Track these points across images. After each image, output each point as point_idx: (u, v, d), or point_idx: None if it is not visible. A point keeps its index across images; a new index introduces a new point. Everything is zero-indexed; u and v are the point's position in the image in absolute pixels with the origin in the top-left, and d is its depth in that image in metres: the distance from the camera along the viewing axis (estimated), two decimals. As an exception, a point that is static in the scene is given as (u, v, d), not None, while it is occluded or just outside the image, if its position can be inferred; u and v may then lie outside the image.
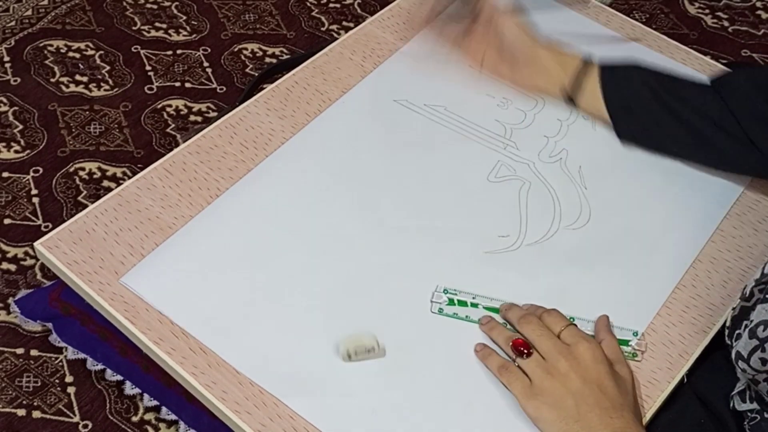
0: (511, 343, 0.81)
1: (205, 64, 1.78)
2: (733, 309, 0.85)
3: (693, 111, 0.96)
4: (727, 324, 0.84)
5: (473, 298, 0.88)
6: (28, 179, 1.55)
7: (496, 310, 0.88)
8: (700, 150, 0.98)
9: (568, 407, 0.76)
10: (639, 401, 0.83)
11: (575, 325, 0.83)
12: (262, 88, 1.07)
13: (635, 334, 0.87)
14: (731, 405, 0.86)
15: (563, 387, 0.77)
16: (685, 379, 0.87)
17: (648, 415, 0.83)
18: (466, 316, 0.87)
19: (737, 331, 0.81)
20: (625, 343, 0.86)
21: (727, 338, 0.84)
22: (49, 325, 1.11)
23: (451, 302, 0.88)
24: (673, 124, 0.98)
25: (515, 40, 1.02)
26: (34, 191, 1.54)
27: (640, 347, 0.86)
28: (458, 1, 1.05)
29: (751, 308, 0.80)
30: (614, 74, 1.00)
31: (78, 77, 1.73)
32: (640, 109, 0.99)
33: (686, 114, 0.96)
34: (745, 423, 0.85)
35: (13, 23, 1.82)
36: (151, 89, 1.72)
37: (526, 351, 0.80)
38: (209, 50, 1.81)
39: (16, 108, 1.66)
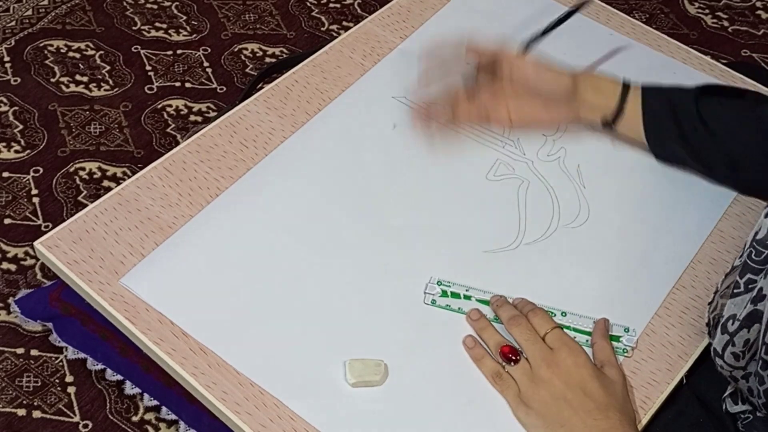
0: (500, 350, 0.83)
1: (205, 64, 1.78)
2: (710, 305, 0.85)
3: (728, 135, 0.95)
4: (706, 321, 0.85)
5: (466, 290, 0.89)
6: (28, 179, 1.55)
7: (488, 303, 0.88)
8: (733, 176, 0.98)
9: (553, 413, 0.78)
10: (635, 401, 0.83)
11: (560, 327, 0.84)
12: (261, 88, 1.07)
13: (626, 330, 0.87)
14: (723, 407, 0.87)
15: (547, 393, 0.79)
16: (684, 380, 0.87)
17: (647, 416, 0.83)
18: (459, 308, 0.88)
19: (710, 328, 0.82)
20: (617, 339, 0.87)
21: (708, 336, 0.84)
22: (49, 324, 1.11)
23: (444, 294, 0.88)
24: (708, 149, 0.96)
25: (542, 79, 0.97)
26: (34, 191, 1.54)
27: (631, 343, 0.86)
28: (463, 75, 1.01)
29: (723, 304, 0.81)
30: (656, 95, 0.97)
31: (78, 77, 1.73)
32: (674, 135, 0.97)
33: (722, 139, 0.95)
34: (738, 423, 0.85)
35: (13, 23, 1.82)
36: (151, 89, 1.72)
37: (514, 358, 0.82)
38: (209, 50, 1.81)
39: (16, 108, 1.66)
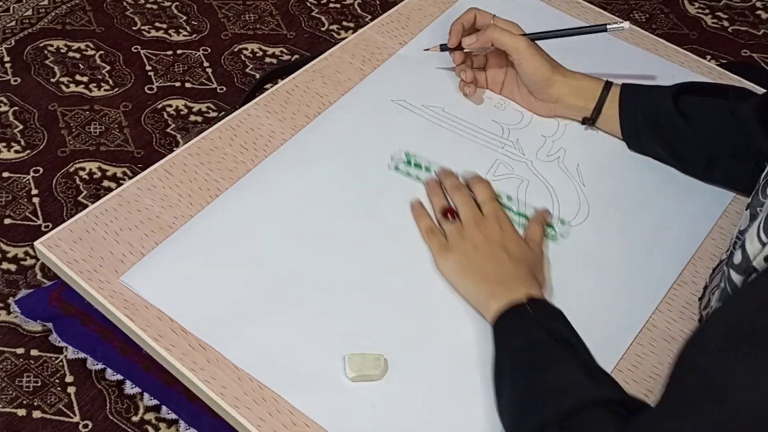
0: (440, 210, 0.93)
1: (205, 64, 1.78)
2: (701, 300, 0.86)
3: (705, 137, 0.98)
4: (699, 317, 0.87)
5: (429, 163, 0.98)
6: (28, 179, 1.56)
7: None
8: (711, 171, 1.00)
9: (470, 260, 0.88)
10: (637, 393, 0.83)
11: (497, 201, 0.94)
12: (263, 92, 1.08)
13: (562, 222, 0.96)
14: None
15: (471, 246, 0.89)
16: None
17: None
18: (417, 177, 0.97)
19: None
20: (550, 226, 0.95)
21: None
22: (49, 324, 1.11)
23: (408, 162, 0.97)
24: (685, 145, 0.99)
25: (530, 72, 1.02)
26: (34, 191, 1.54)
27: (562, 232, 0.95)
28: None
29: (707, 297, 0.83)
30: (633, 97, 1.01)
31: (78, 77, 1.73)
32: (651, 134, 1.00)
33: (698, 139, 0.98)
34: None
35: (13, 23, 1.82)
36: (151, 89, 1.72)
37: (450, 217, 0.92)
38: (209, 50, 1.81)
39: (16, 108, 1.67)
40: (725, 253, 0.83)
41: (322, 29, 1.87)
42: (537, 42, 1.03)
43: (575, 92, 1.02)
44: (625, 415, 0.71)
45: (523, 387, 0.77)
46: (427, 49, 1.09)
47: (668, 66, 1.15)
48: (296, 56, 1.80)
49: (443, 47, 1.07)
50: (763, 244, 0.65)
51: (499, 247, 0.88)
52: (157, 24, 1.85)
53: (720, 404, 0.58)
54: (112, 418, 1.26)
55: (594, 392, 0.73)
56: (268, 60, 1.80)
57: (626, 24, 1.02)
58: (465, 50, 1.05)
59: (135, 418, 1.26)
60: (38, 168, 1.57)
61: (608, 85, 1.01)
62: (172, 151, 0.99)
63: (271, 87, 1.09)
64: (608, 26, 1.02)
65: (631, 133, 1.01)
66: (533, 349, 0.79)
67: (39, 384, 1.30)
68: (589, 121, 1.03)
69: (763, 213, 0.67)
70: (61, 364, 1.31)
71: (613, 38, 1.18)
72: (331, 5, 1.92)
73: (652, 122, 0.99)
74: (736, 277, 0.69)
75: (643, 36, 1.19)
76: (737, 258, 0.68)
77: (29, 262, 1.44)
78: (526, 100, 1.06)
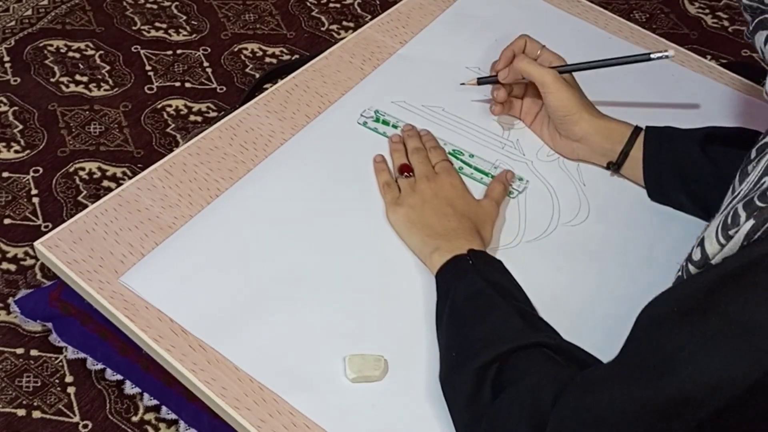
0: (399, 166, 0.97)
1: (205, 64, 1.78)
2: None
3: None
4: None
5: (397, 121, 1.04)
6: (28, 179, 1.55)
7: None
8: None
9: (417, 213, 0.92)
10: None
11: (450, 162, 0.98)
12: (262, 91, 1.08)
13: (521, 179, 1.00)
14: None
15: (419, 199, 0.93)
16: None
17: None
18: (384, 133, 1.03)
19: None
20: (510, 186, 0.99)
21: None
22: (49, 324, 1.11)
23: (376, 119, 1.03)
24: (711, 193, 0.95)
25: (555, 105, 0.99)
26: (34, 191, 1.54)
27: (519, 188, 0.99)
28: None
29: None
30: (657, 140, 0.98)
31: (78, 77, 1.73)
32: (675, 180, 0.97)
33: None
34: None
35: (13, 23, 1.82)
36: (151, 89, 1.72)
37: (407, 173, 0.96)
38: (209, 50, 1.81)
39: (16, 108, 1.66)
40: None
41: (322, 29, 1.87)
42: (577, 72, 1.01)
43: (601, 133, 0.99)
44: (561, 362, 0.75)
45: (460, 335, 0.80)
46: (464, 84, 1.07)
47: (669, 65, 1.15)
48: (296, 56, 1.80)
49: (481, 81, 1.06)
50: (722, 246, 0.66)
51: (445, 202, 0.92)
52: (157, 24, 1.85)
53: (665, 376, 0.61)
54: (112, 418, 1.26)
55: (531, 336, 0.77)
56: (268, 60, 1.80)
57: (671, 52, 0.98)
58: (501, 82, 1.03)
59: (135, 419, 1.26)
60: (38, 168, 1.57)
61: (638, 130, 0.98)
62: (172, 151, 0.99)
63: (271, 86, 1.09)
64: (652, 55, 0.98)
65: (654, 180, 0.98)
66: (471, 298, 0.81)
67: (39, 384, 1.30)
68: (614, 166, 0.99)
69: (720, 215, 0.68)
70: (60, 364, 1.31)
71: (613, 37, 1.18)
72: (331, 5, 1.92)
73: (679, 168, 0.96)
74: (694, 271, 0.71)
75: (644, 35, 1.19)
76: (696, 255, 0.69)
77: (29, 262, 1.44)
78: (552, 137, 1.04)
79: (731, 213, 0.65)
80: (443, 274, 0.86)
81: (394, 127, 1.03)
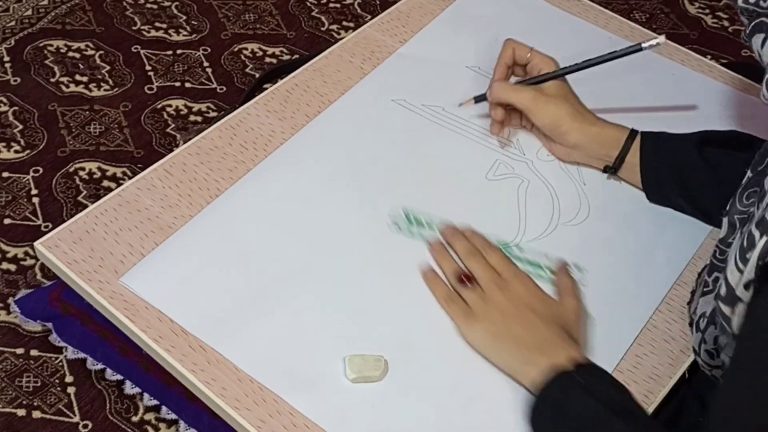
0: (456, 275, 0.88)
1: (205, 64, 1.78)
2: (689, 305, 0.86)
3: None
4: (689, 321, 0.86)
5: (429, 219, 0.94)
6: (28, 179, 1.55)
7: None
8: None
9: (500, 328, 0.83)
10: (638, 394, 0.84)
11: (513, 263, 0.89)
12: (263, 91, 1.08)
13: (578, 268, 0.92)
14: None
15: (497, 311, 0.84)
16: (687, 375, 0.87)
17: (650, 410, 0.84)
18: (420, 235, 0.93)
19: (691, 328, 0.83)
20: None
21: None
22: (49, 324, 1.11)
23: (408, 220, 0.93)
24: (710, 196, 0.95)
25: (541, 124, 0.99)
26: (34, 191, 1.54)
27: (582, 280, 0.91)
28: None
29: (696, 301, 0.82)
30: (655, 146, 0.97)
31: (78, 77, 1.73)
32: (674, 185, 0.97)
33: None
34: None
35: (13, 23, 1.82)
36: (151, 89, 1.72)
37: (468, 282, 0.87)
38: (209, 50, 1.81)
39: (16, 108, 1.66)
40: (710, 258, 0.83)
41: (322, 29, 1.87)
42: (572, 72, 0.99)
43: (595, 140, 0.98)
44: None
45: None
46: (461, 104, 1.05)
47: (669, 65, 1.15)
48: (296, 56, 1.80)
49: (477, 99, 1.04)
50: (741, 272, 0.65)
51: (527, 308, 0.84)
52: (156, 24, 1.85)
53: None
54: (111, 418, 1.26)
55: None
56: (268, 60, 1.80)
57: (662, 38, 0.96)
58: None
59: (135, 418, 1.26)
60: (38, 168, 1.57)
61: (633, 134, 0.97)
62: (171, 150, 0.99)
63: (271, 86, 1.09)
64: (643, 45, 0.96)
65: (653, 184, 0.97)
66: (588, 426, 0.75)
67: (39, 384, 1.30)
68: (611, 170, 0.99)
69: (737, 242, 0.68)
70: (60, 364, 1.31)
71: (613, 36, 1.17)
72: (331, 5, 1.92)
73: (677, 172, 0.96)
74: (726, 309, 0.70)
75: (644, 34, 1.19)
76: (723, 290, 0.68)
77: (29, 262, 1.44)
78: (548, 143, 1.03)
79: (746, 236, 0.64)
80: (548, 392, 0.78)
81: (429, 226, 0.93)
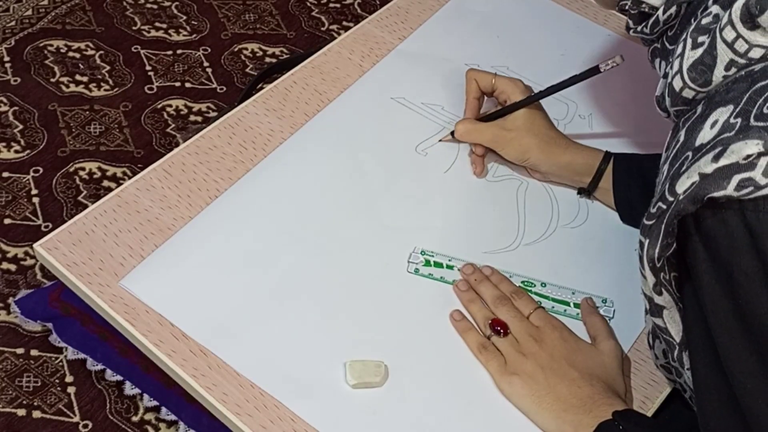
0: (489, 322, 0.86)
1: (205, 64, 1.78)
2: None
3: None
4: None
5: (449, 260, 0.91)
6: (28, 179, 1.55)
7: None
8: None
9: (539, 382, 0.81)
10: (633, 400, 0.83)
11: (543, 308, 0.88)
12: (261, 88, 1.07)
13: (604, 301, 0.90)
14: None
15: (534, 364, 0.82)
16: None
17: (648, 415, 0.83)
18: (441, 277, 0.91)
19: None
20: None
21: None
22: (49, 325, 1.11)
23: (427, 263, 0.91)
24: None
25: (509, 159, 0.99)
26: (34, 191, 1.54)
27: (609, 313, 0.90)
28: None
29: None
30: (627, 168, 0.96)
31: (78, 77, 1.73)
32: (645, 206, 0.96)
33: None
34: None
35: (13, 23, 1.82)
36: (151, 89, 1.72)
37: (503, 331, 0.85)
38: (209, 50, 1.81)
39: (16, 108, 1.66)
40: None
41: (322, 29, 1.87)
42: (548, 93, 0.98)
43: (566, 169, 0.98)
44: None
45: None
46: (441, 140, 1.03)
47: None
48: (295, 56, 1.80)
49: (455, 134, 1.02)
50: (645, 278, 0.69)
51: (565, 363, 0.82)
52: (157, 24, 1.85)
53: None
54: (112, 418, 1.26)
55: None
56: (268, 60, 1.79)
57: (618, 58, 0.93)
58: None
59: (135, 419, 1.26)
60: (38, 168, 1.57)
61: (608, 157, 0.96)
62: (171, 150, 0.99)
63: (269, 84, 1.08)
64: (600, 67, 0.93)
65: (625, 206, 0.97)
66: None
67: (39, 384, 1.30)
68: (585, 193, 0.99)
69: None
70: (61, 364, 1.31)
71: (612, 33, 1.17)
72: (331, 5, 1.92)
73: (647, 194, 0.94)
74: (658, 321, 0.72)
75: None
76: (647, 304, 0.72)
77: (29, 262, 1.44)
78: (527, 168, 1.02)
79: (638, 243, 0.68)
80: None
81: (449, 267, 0.91)
